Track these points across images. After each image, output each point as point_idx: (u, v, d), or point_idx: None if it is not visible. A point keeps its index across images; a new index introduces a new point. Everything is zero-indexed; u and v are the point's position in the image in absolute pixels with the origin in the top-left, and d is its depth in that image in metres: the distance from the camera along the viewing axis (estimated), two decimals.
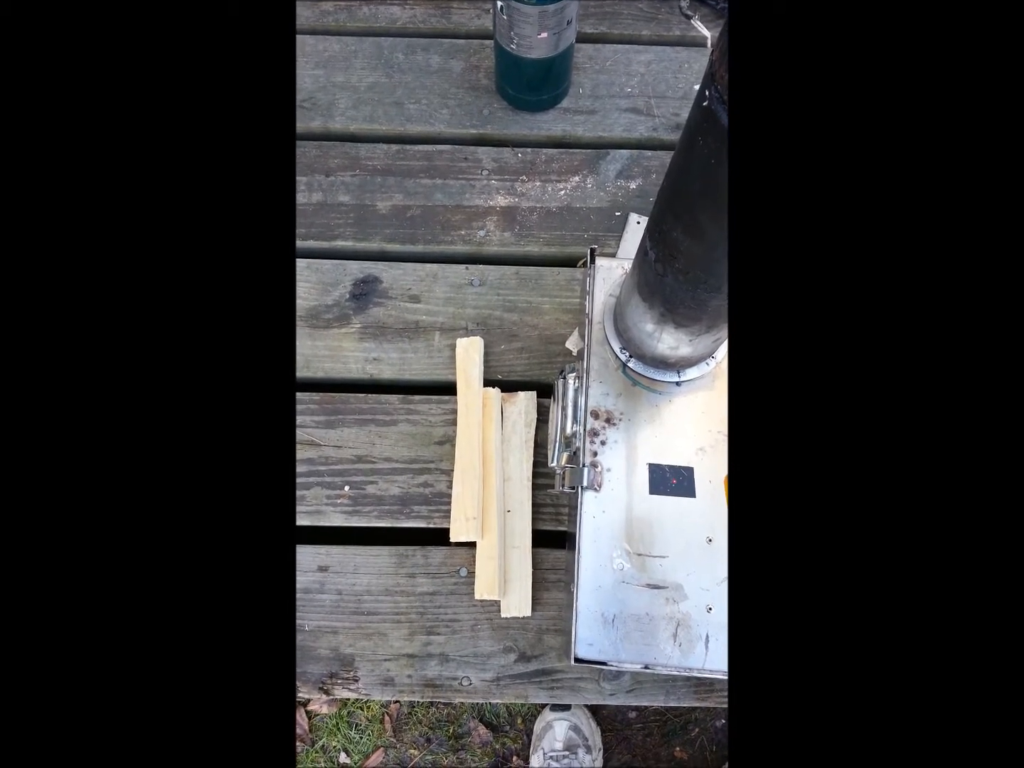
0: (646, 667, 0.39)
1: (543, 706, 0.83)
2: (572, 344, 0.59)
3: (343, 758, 0.88)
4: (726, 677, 0.40)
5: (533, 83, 0.65)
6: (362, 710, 0.89)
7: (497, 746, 0.86)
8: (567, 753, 0.77)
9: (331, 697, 0.52)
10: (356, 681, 0.51)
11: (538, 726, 0.82)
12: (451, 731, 0.87)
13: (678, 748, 0.83)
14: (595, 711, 0.83)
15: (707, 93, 0.25)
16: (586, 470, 0.43)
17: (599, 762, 0.79)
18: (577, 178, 0.66)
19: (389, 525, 0.55)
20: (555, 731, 0.79)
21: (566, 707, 0.79)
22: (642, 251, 0.37)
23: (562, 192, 0.66)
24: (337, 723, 0.88)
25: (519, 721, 0.87)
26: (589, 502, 0.43)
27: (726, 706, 0.49)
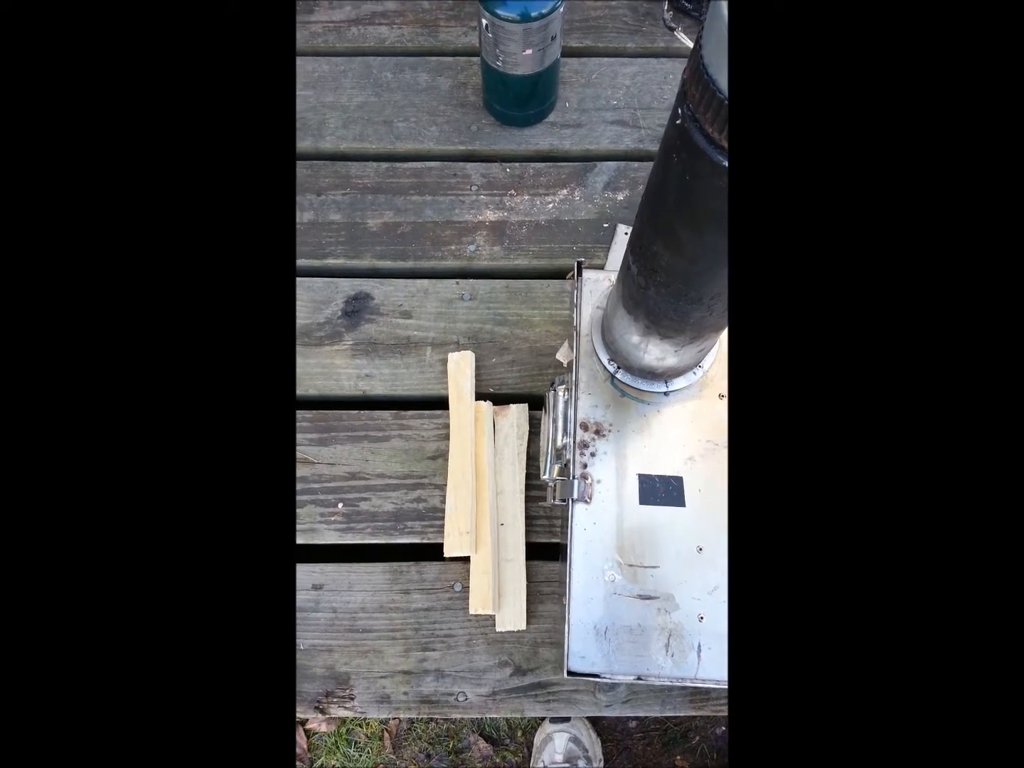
0: (639, 678, 0.39)
1: (543, 718, 0.83)
2: (562, 356, 0.60)
3: None
4: (719, 686, 0.40)
5: (520, 99, 0.66)
6: (361, 727, 0.89)
7: (498, 760, 0.86)
8: (567, 765, 0.77)
9: (327, 716, 0.51)
10: (352, 699, 0.51)
11: (538, 739, 0.81)
12: (451, 746, 0.87)
13: (679, 757, 0.83)
14: (595, 722, 0.83)
15: (680, 111, 0.26)
16: (576, 482, 0.44)
17: None
18: (565, 191, 0.67)
19: (383, 541, 0.55)
20: (555, 743, 0.78)
21: (566, 719, 0.79)
22: (625, 265, 0.38)
23: (550, 205, 0.66)
24: (336, 741, 0.88)
25: (519, 734, 0.86)
26: (580, 514, 0.43)
27: (722, 714, 0.49)
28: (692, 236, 0.29)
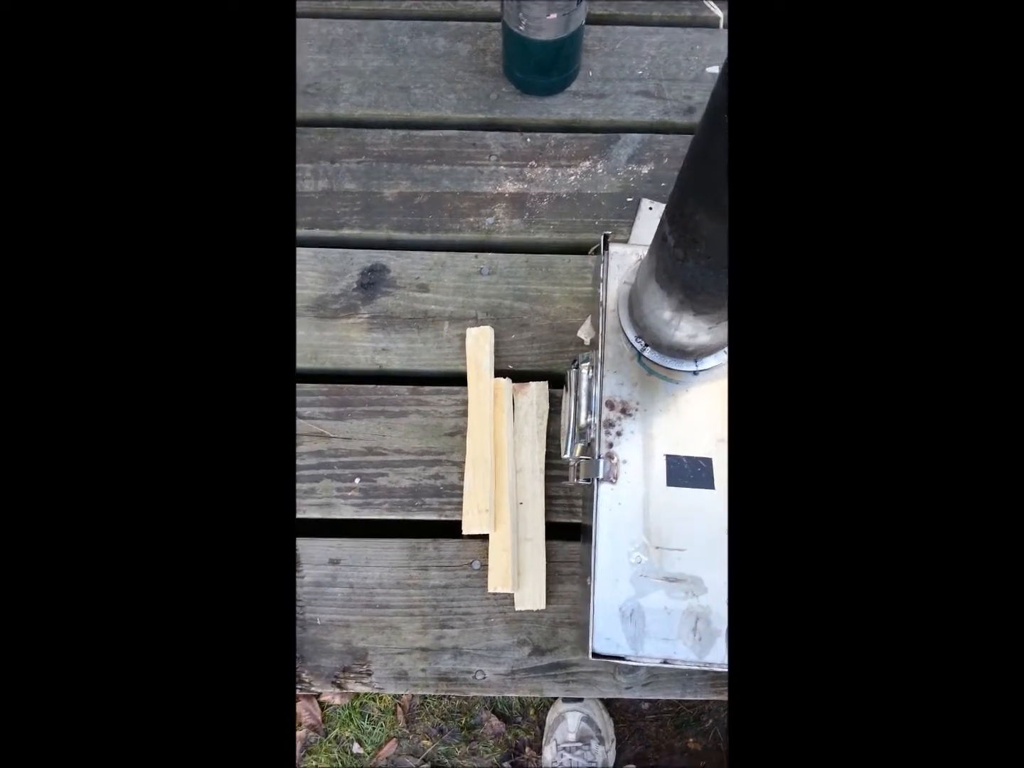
0: (665, 662, 0.39)
1: (556, 697, 0.83)
2: (584, 333, 0.58)
3: (356, 748, 0.88)
4: None
5: (542, 66, 0.64)
6: (374, 701, 0.89)
7: (510, 737, 0.86)
8: (580, 744, 0.77)
9: (344, 691, 0.51)
10: (369, 675, 0.51)
11: (550, 717, 0.82)
12: (464, 722, 0.87)
13: (691, 739, 0.83)
14: (608, 702, 0.83)
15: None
16: (602, 461, 0.42)
17: (612, 754, 0.79)
18: (587, 163, 0.65)
19: (400, 517, 0.54)
20: (568, 722, 0.78)
21: (579, 698, 0.79)
22: (660, 236, 0.36)
23: (572, 178, 0.64)
24: (350, 714, 0.88)
25: (532, 712, 0.86)
26: (605, 494, 0.42)
27: None
28: None
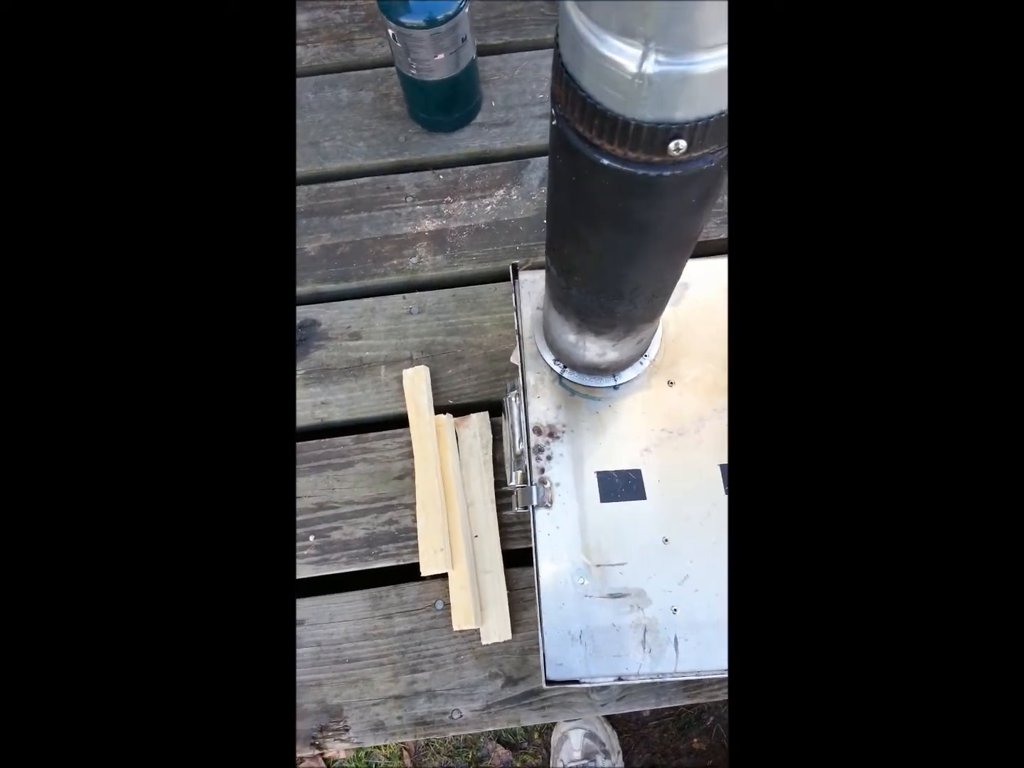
0: (619, 679, 0.39)
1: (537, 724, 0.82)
2: (516, 358, 0.59)
3: None
4: (699, 677, 0.39)
5: (442, 104, 0.65)
6: (380, 749, 0.88)
7: (518, 764, 0.85)
8: (586, 761, 0.77)
9: (322, 752, 0.51)
10: (347, 731, 0.50)
11: (554, 738, 0.81)
12: (471, 756, 0.87)
13: (695, 740, 0.83)
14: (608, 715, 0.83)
15: (552, 112, 0.25)
16: (535, 488, 0.43)
17: (620, 765, 0.79)
18: (502, 191, 0.66)
19: (359, 569, 0.54)
20: (571, 741, 0.78)
21: None
22: (546, 267, 0.37)
23: (488, 207, 0.66)
24: (356, 766, 0.88)
25: (536, 736, 0.86)
26: (542, 520, 0.43)
27: (716, 700, 0.48)
28: (592, 234, 0.29)
